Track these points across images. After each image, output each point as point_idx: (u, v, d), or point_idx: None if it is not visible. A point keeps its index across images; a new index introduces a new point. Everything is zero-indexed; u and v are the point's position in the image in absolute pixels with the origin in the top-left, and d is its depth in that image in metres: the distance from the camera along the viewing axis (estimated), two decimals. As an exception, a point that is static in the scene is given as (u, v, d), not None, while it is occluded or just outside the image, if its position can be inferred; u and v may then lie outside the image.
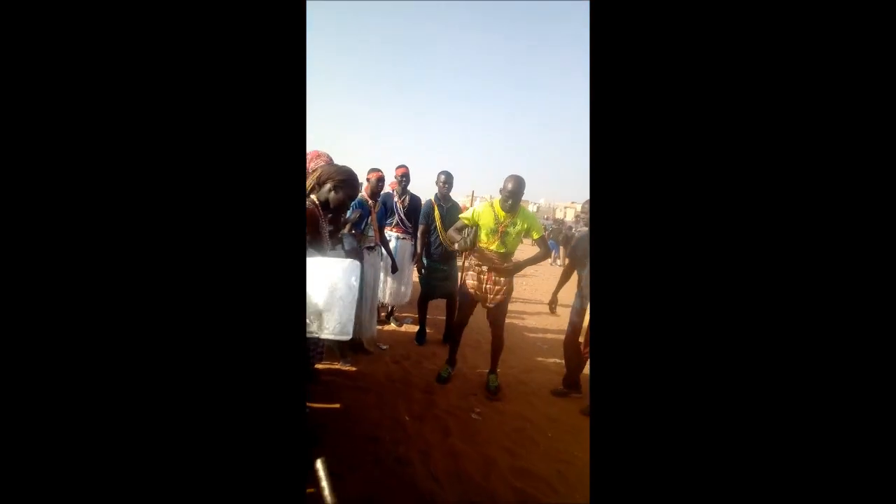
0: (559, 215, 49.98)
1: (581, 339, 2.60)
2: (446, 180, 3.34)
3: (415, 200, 3.58)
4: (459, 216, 2.74)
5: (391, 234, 3.52)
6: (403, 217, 3.52)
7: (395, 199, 3.50)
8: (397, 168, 3.49)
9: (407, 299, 3.90)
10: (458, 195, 3.82)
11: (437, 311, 3.77)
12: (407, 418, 2.21)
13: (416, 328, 3.63)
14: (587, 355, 2.61)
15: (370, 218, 2.95)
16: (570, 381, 2.83)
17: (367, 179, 3.04)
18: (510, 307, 5.84)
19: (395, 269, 3.37)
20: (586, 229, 2.87)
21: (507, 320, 4.86)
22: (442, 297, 3.43)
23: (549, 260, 11.02)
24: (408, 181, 3.50)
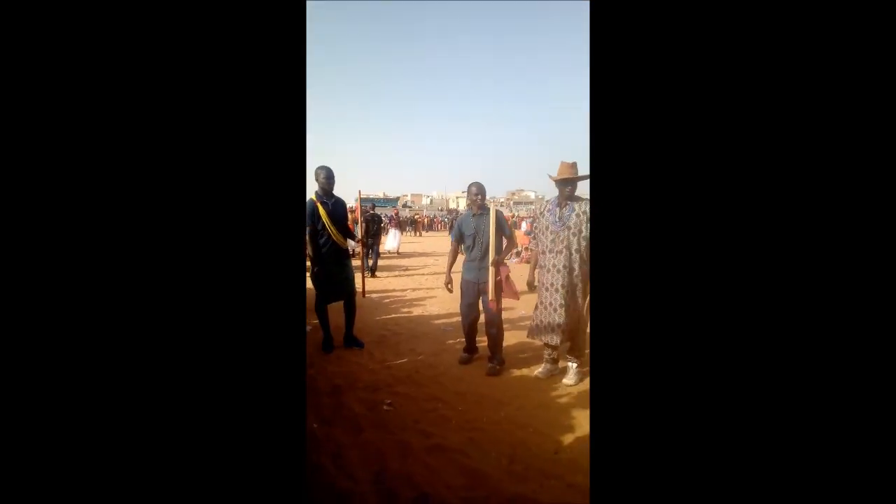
0: (452, 205, 51.82)
1: (490, 297, 2.79)
2: (327, 175, 3.19)
3: None
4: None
5: None
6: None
7: None
8: None
9: None
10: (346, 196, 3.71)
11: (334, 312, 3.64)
12: (315, 425, 2.11)
13: (310, 332, 3.46)
14: (496, 308, 2.84)
15: None
16: (469, 347, 3.12)
17: None
18: (412, 296, 5.87)
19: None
20: (466, 210, 3.06)
21: (410, 310, 4.93)
22: (339, 299, 3.28)
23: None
24: None
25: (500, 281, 2.78)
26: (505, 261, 2.87)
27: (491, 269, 2.75)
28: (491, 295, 2.77)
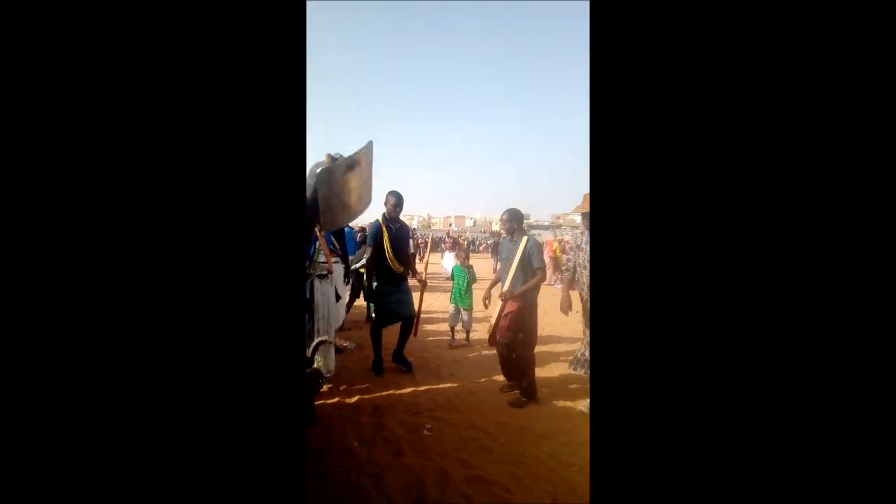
0: (496, 227, 51.84)
1: (489, 329, 2.87)
2: (397, 202, 3.19)
3: None
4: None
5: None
6: (333, 239, 3.44)
7: None
8: None
9: (340, 323, 3.79)
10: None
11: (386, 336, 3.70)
12: (356, 444, 2.14)
13: (354, 350, 3.52)
14: (493, 343, 2.89)
15: (318, 243, 2.76)
16: (506, 375, 3.03)
17: None
18: (446, 325, 5.89)
19: (339, 297, 3.25)
20: (507, 236, 3.02)
21: (449, 336, 4.91)
22: (398, 320, 3.30)
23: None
24: None
25: (501, 316, 2.77)
26: (518, 294, 2.75)
27: (500, 303, 2.77)
28: (490, 328, 2.80)
